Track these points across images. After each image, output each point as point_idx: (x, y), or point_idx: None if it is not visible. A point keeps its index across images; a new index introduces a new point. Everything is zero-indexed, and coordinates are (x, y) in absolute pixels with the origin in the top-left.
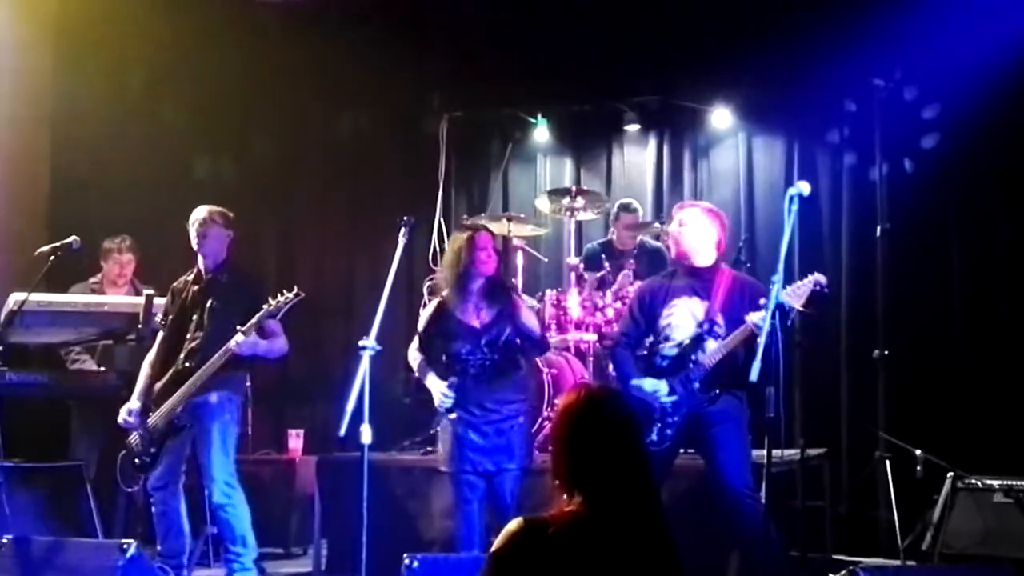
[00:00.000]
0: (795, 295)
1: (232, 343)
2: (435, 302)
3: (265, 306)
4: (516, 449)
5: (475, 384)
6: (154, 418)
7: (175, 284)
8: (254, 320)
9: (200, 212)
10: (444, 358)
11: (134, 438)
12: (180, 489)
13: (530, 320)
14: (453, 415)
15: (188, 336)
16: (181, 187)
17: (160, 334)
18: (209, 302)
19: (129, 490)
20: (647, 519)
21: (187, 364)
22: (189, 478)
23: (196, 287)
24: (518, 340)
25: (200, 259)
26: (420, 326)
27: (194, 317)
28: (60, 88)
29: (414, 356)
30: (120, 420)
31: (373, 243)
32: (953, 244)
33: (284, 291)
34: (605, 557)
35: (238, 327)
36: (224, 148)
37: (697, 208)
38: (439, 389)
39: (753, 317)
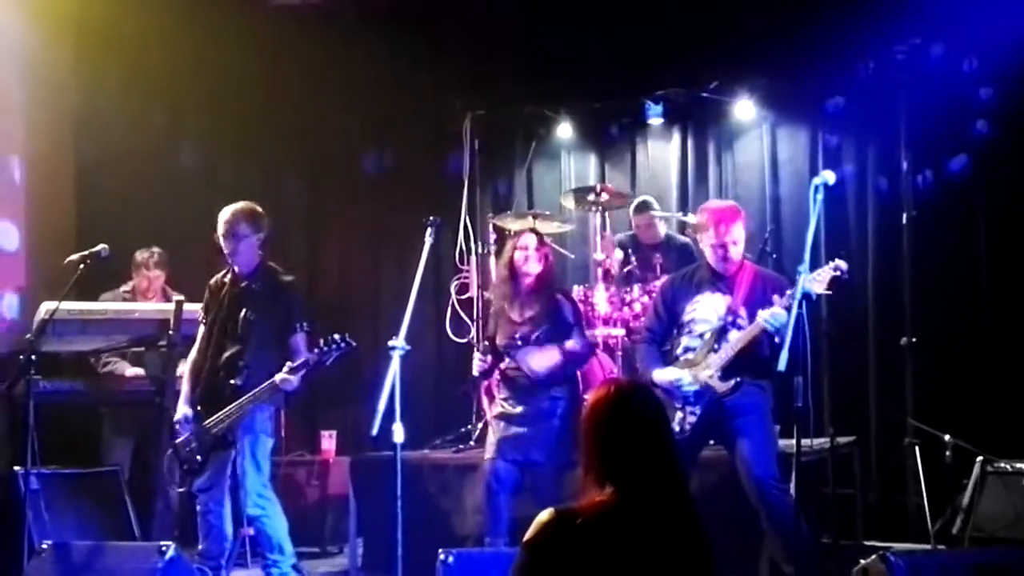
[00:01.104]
0: (816, 281)
1: (278, 379)
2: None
3: (316, 350)
4: (552, 444)
5: (512, 378)
6: (202, 428)
7: (212, 281)
8: (301, 361)
9: (224, 214)
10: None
11: (183, 443)
12: (226, 493)
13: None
14: (497, 408)
15: (225, 344)
16: (205, 189)
17: (200, 330)
18: (244, 312)
19: (179, 490)
20: (677, 509)
21: (232, 381)
22: (232, 480)
23: (233, 291)
24: (559, 341)
25: (232, 262)
26: None
27: (229, 325)
28: (82, 91)
29: None
30: (177, 426)
31: (399, 244)
32: (980, 230)
33: (335, 337)
34: (635, 546)
35: (287, 367)
36: (247, 150)
37: (740, 223)
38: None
39: (763, 315)
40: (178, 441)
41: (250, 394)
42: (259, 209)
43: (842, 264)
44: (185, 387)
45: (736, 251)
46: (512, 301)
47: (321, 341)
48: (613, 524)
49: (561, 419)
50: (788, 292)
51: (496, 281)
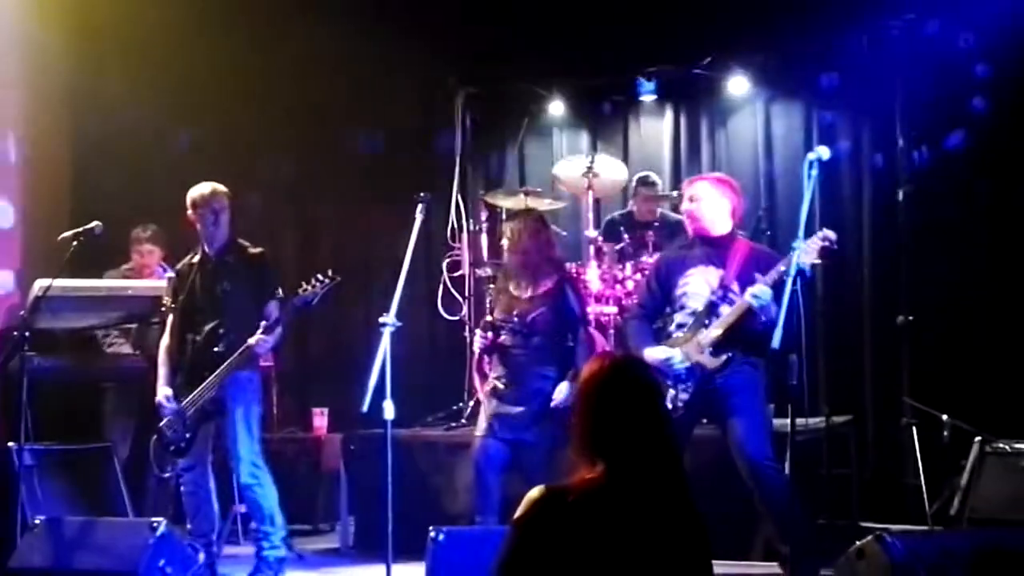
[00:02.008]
0: (806, 252)
1: (252, 341)
2: None
3: (300, 292)
4: (543, 423)
5: (509, 357)
6: (186, 404)
7: (179, 267)
8: (280, 313)
9: (204, 190)
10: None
11: (167, 424)
12: (209, 469)
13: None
14: (489, 385)
15: (202, 320)
16: (199, 169)
17: (170, 319)
18: (220, 285)
19: (165, 475)
20: (670, 486)
21: (215, 349)
22: (217, 457)
23: (204, 269)
24: (557, 322)
25: (205, 239)
26: None
27: (206, 301)
28: (79, 69)
29: None
30: (158, 406)
31: (391, 220)
32: (977, 207)
33: (317, 276)
34: (627, 525)
35: (260, 326)
36: (240, 130)
37: (706, 181)
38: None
39: (751, 290)
40: (162, 424)
41: (229, 360)
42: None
43: (830, 234)
44: (162, 370)
45: (694, 208)
46: (513, 276)
47: (303, 283)
48: (605, 502)
49: (549, 398)
50: (782, 268)
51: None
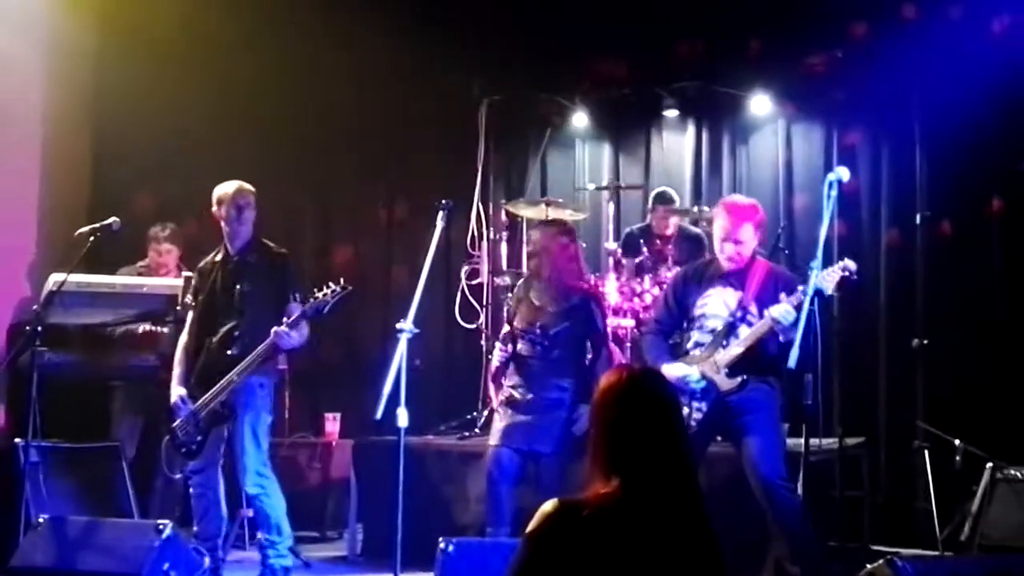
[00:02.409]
0: (825, 281)
1: (274, 332)
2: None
3: (312, 299)
4: (557, 435)
5: (526, 367)
6: (198, 405)
7: (201, 265)
8: (298, 315)
9: (230, 188)
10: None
11: (179, 425)
12: (219, 472)
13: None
14: (504, 394)
15: (221, 320)
16: (220, 169)
17: (189, 316)
18: (240, 285)
19: (175, 477)
20: (685, 503)
21: (230, 352)
22: (227, 460)
23: (225, 268)
24: (580, 337)
25: (228, 237)
26: None
27: (226, 300)
28: (101, 66)
29: None
30: (173, 406)
31: (411, 227)
32: (994, 231)
33: (330, 284)
34: (641, 541)
35: (284, 322)
36: (263, 132)
37: (750, 225)
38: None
39: (772, 312)
40: (175, 425)
41: (246, 360)
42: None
43: (850, 264)
44: (177, 369)
45: (735, 250)
46: (537, 288)
47: (315, 290)
48: (619, 517)
49: (568, 410)
50: (800, 288)
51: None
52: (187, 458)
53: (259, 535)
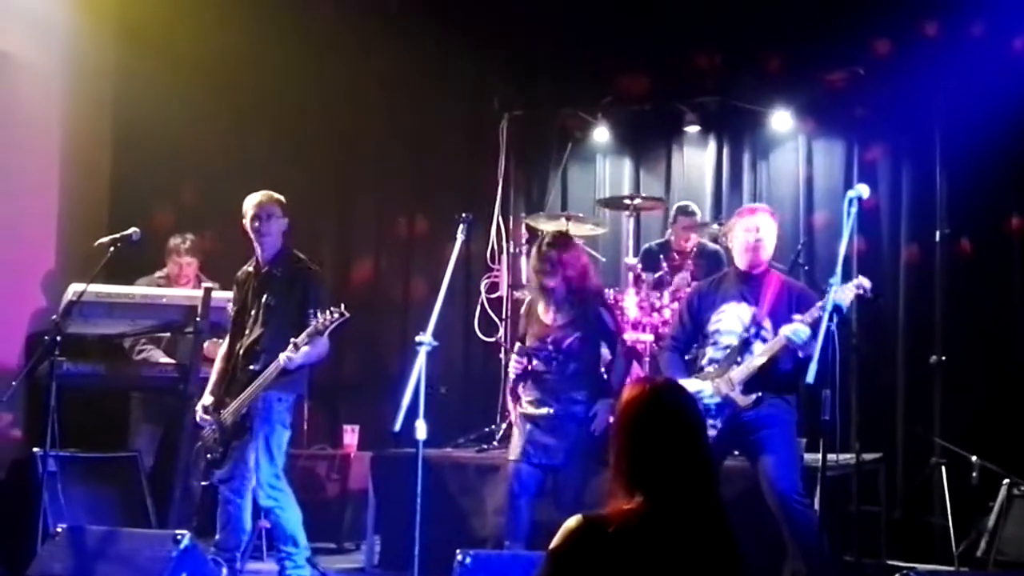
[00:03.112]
0: (842, 292)
1: (282, 359)
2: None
3: (313, 321)
4: (576, 449)
5: (540, 380)
6: (224, 415)
7: (238, 275)
8: (303, 336)
9: (255, 197)
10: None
11: (207, 433)
12: (247, 483)
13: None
14: (520, 409)
15: (248, 332)
16: (240, 181)
17: (231, 326)
18: (265, 297)
19: (204, 484)
20: (709, 518)
21: (252, 366)
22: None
23: (255, 280)
24: (592, 346)
25: (258, 249)
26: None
27: (253, 312)
28: (121, 77)
29: None
30: (197, 418)
31: (432, 240)
32: (1013, 249)
33: (332, 308)
34: (666, 556)
35: (291, 342)
36: (283, 144)
37: (766, 214)
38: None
39: (785, 331)
40: (204, 432)
41: (259, 378)
42: (284, 200)
43: (865, 282)
44: (213, 376)
45: (763, 246)
46: (544, 302)
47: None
48: (644, 534)
49: (586, 424)
50: (818, 304)
51: (528, 278)
52: (211, 466)
53: (277, 546)
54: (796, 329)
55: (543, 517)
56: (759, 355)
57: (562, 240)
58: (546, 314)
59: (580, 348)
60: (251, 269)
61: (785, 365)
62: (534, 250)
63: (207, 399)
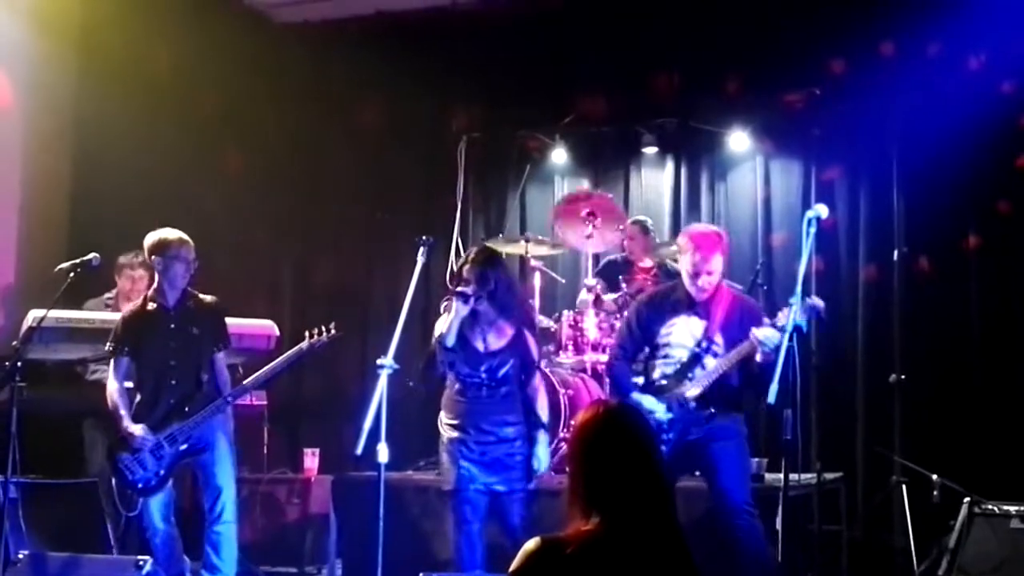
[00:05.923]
0: (801, 311)
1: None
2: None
3: (301, 345)
4: (515, 471)
5: (473, 405)
6: (162, 440)
7: (126, 315)
8: (292, 357)
9: (173, 234)
10: (451, 375)
11: (130, 463)
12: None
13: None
14: (453, 435)
15: (174, 362)
16: (199, 207)
17: (113, 362)
18: (187, 330)
19: (131, 514)
20: (665, 538)
21: (191, 394)
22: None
23: (160, 316)
24: (521, 369)
25: (165, 286)
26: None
27: (169, 345)
28: (82, 100)
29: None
30: (137, 444)
31: (391, 262)
32: (971, 268)
33: (323, 328)
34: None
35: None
36: (242, 169)
37: (721, 257)
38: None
39: (757, 333)
40: (122, 465)
41: (207, 408)
42: None
43: (818, 303)
44: (122, 411)
45: (708, 281)
46: (471, 327)
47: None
48: (602, 555)
49: (522, 446)
50: (783, 311)
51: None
52: (143, 494)
53: (210, 564)
54: (768, 334)
55: (491, 541)
56: (719, 364)
57: (488, 255)
58: (475, 340)
59: (514, 373)
60: (151, 307)
61: (733, 381)
62: (459, 268)
63: (138, 429)
